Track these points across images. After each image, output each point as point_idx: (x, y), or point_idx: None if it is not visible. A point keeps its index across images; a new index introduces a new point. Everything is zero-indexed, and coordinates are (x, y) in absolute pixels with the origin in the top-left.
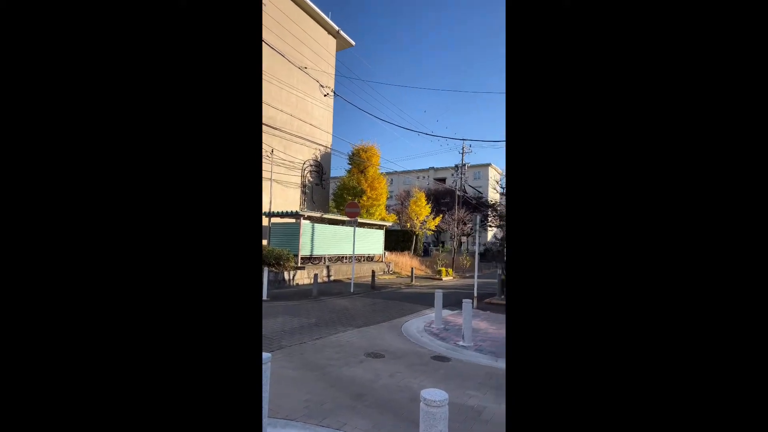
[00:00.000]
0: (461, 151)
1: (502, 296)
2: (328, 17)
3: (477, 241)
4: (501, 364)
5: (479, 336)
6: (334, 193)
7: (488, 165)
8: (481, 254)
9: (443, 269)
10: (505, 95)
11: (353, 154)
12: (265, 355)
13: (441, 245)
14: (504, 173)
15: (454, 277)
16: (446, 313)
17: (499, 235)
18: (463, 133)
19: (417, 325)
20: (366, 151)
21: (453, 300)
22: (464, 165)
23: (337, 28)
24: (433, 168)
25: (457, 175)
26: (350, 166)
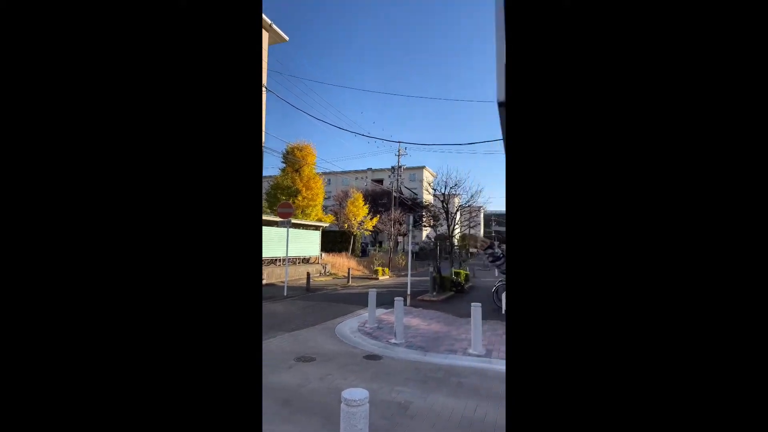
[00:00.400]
0: (397, 154)
1: (434, 293)
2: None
3: (410, 240)
4: (429, 357)
5: (411, 332)
6: (267, 192)
7: (423, 167)
8: (416, 253)
9: (380, 269)
10: (444, 100)
11: (287, 152)
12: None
13: (379, 245)
14: (437, 176)
15: (390, 276)
16: (381, 312)
17: (432, 235)
18: (399, 135)
19: (351, 325)
20: (301, 150)
21: (388, 299)
22: (400, 167)
23: (269, 21)
24: (371, 169)
25: (394, 176)
26: (284, 165)
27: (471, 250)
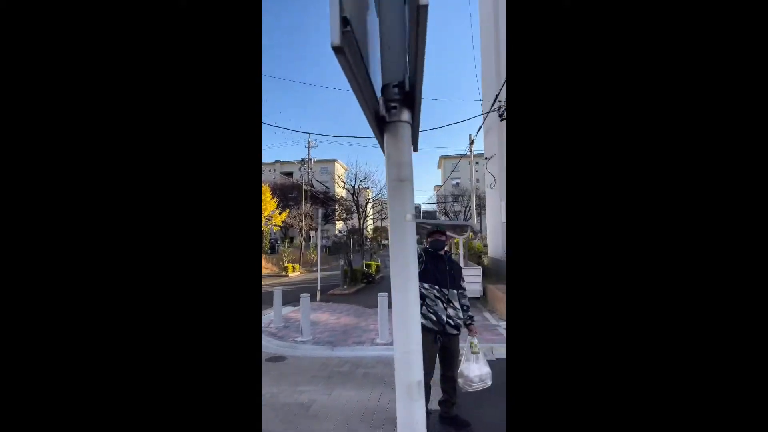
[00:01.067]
0: (307, 145)
1: (345, 286)
2: None
3: (320, 235)
4: (337, 352)
5: (319, 328)
6: None
7: (334, 160)
8: (328, 247)
9: (290, 265)
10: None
11: None
12: None
13: (289, 241)
14: (348, 169)
15: (301, 273)
16: (289, 310)
17: (344, 229)
18: (308, 127)
19: None
20: None
21: (297, 296)
22: (311, 159)
23: None
24: (279, 161)
25: (304, 169)
26: None
27: (383, 242)
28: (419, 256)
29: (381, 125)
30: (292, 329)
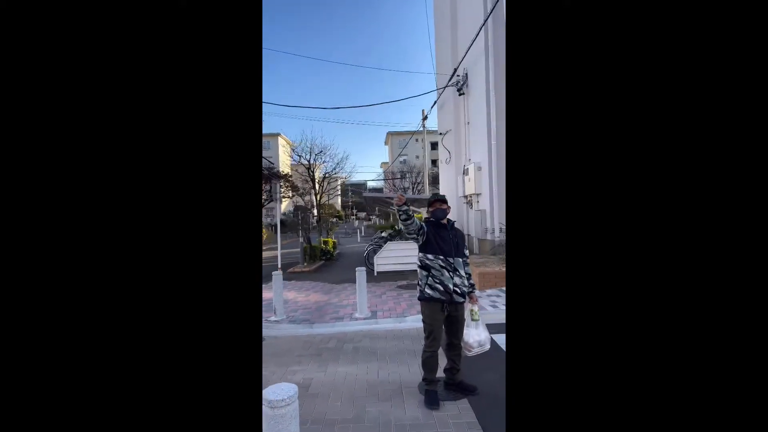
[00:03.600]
0: None
1: (305, 264)
2: None
3: (278, 211)
4: (317, 329)
5: (290, 307)
6: None
7: (278, 134)
8: (274, 225)
9: None
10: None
11: None
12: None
13: None
14: (297, 144)
15: None
16: None
17: (291, 207)
18: None
19: None
20: None
21: None
22: None
23: None
24: None
25: None
26: None
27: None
28: (419, 228)
29: None
30: (263, 308)
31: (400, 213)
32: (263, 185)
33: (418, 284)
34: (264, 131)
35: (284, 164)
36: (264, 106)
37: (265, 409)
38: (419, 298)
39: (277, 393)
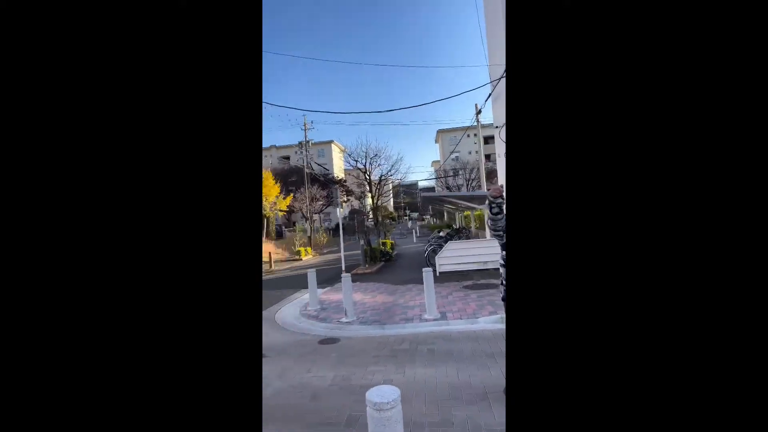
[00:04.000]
0: (303, 127)
1: (366, 265)
2: None
3: (339, 215)
4: (389, 330)
5: (358, 308)
6: None
7: (331, 142)
8: (332, 230)
9: (302, 249)
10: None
11: None
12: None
13: (293, 225)
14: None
15: (313, 255)
16: (319, 292)
17: (347, 211)
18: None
19: (291, 311)
20: None
21: (321, 277)
22: (308, 141)
23: None
24: (274, 146)
25: (302, 152)
26: None
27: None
28: (500, 211)
29: None
30: (332, 311)
31: (493, 206)
32: (321, 191)
33: (501, 284)
34: (316, 139)
35: (339, 169)
36: (315, 115)
37: (370, 411)
38: (504, 299)
39: (381, 395)
